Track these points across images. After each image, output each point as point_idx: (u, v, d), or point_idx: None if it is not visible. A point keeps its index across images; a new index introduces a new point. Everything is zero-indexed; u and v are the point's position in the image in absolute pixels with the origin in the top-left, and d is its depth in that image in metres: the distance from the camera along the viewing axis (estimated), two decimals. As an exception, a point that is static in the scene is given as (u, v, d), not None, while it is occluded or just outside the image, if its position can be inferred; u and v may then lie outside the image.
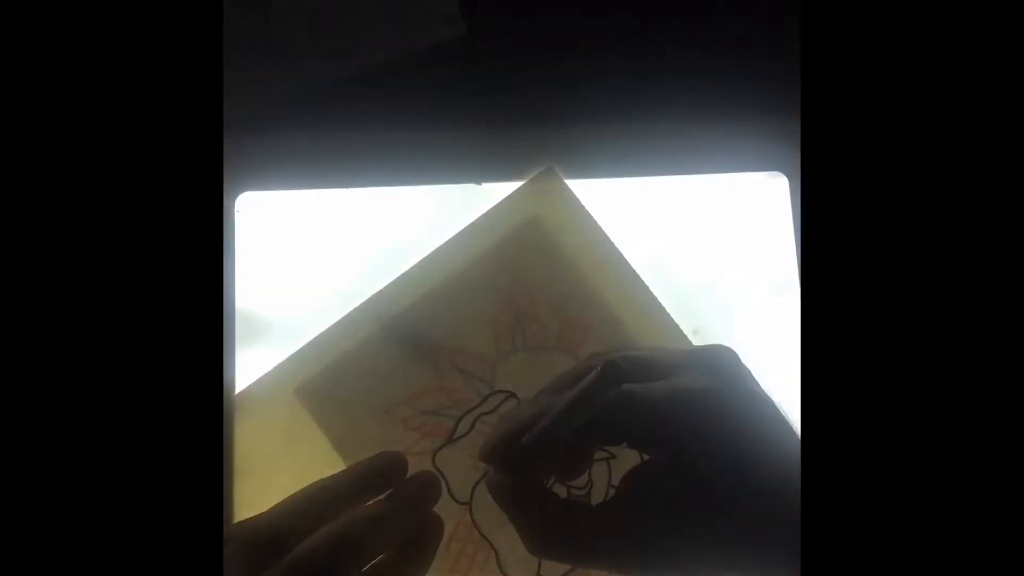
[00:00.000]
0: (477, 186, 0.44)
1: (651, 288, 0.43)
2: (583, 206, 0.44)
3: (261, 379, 0.42)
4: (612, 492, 0.32)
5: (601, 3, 0.47)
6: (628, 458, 0.32)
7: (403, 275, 0.43)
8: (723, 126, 0.45)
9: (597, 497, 0.32)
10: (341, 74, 0.45)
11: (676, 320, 0.43)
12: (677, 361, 0.32)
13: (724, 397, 0.30)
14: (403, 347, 0.42)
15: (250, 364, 0.42)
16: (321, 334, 0.42)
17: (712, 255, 0.44)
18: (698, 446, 0.29)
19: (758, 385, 0.32)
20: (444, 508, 0.33)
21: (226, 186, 0.43)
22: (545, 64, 0.47)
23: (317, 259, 0.44)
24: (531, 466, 0.32)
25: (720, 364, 0.32)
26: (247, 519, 0.30)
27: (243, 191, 0.44)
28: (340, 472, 0.32)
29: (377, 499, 0.31)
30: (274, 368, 0.42)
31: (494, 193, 0.44)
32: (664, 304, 0.43)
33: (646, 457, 0.31)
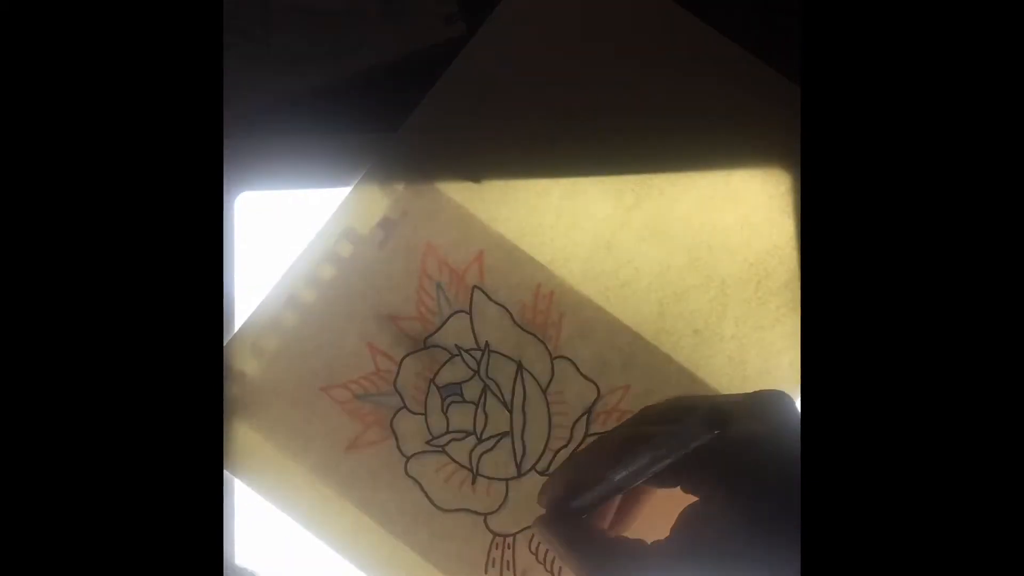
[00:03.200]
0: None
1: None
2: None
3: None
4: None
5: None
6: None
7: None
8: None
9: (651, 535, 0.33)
10: (341, 74, 0.45)
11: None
12: (731, 409, 0.32)
13: (773, 444, 0.31)
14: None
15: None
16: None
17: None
18: (747, 489, 0.30)
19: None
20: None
21: (226, 186, 0.43)
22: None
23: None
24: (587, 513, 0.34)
25: (772, 410, 0.32)
26: None
27: (242, 191, 0.44)
28: None
29: None
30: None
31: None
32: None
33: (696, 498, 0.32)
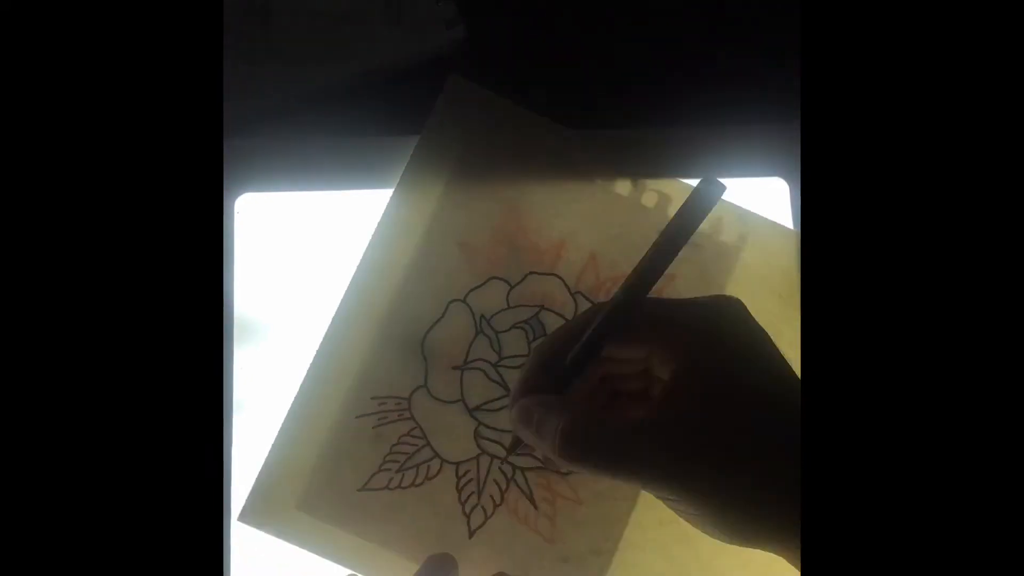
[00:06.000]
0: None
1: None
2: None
3: (251, 505, 0.41)
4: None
5: (601, 10, 0.47)
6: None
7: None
8: (724, 132, 0.45)
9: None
10: (341, 76, 0.45)
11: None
12: (687, 300, 0.33)
13: (733, 319, 0.32)
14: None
15: (249, 365, 0.42)
16: (287, 435, 0.41)
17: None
18: (711, 360, 0.30)
19: (760, 329, 0.33)
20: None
21: (226, 187, 0.43)
22: (545, 69, 0.47)
23: (317, 260, 0.44)
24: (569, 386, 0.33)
25: (728, 307, 0.32)
26: None
27: (243, 192, 0.44)
28: None
29: None
30: (260, 491, 0.41)
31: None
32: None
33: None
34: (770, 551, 0.31)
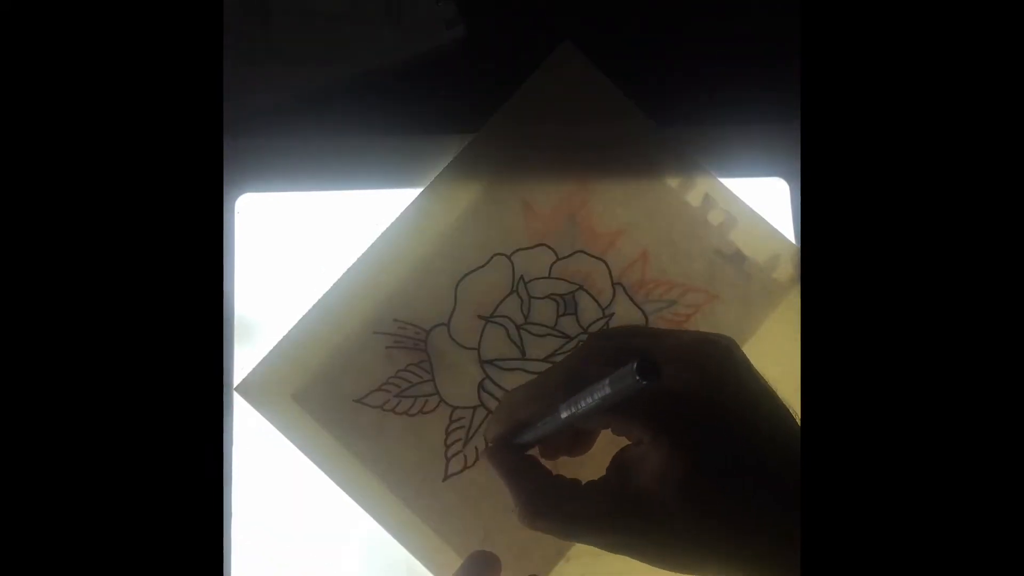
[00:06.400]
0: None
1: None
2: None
3: (251, 380, 0.42)
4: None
5: (600, 10, 0.47)
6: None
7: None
8: (724, 132, 0.45)
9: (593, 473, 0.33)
10: (341, 76, 0.45)
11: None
12: (670, 355, 0.32)
13: (718, 395, 0.31)
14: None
15: (249, 365, 0.42)
16: (304, 328, 0.42)
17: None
18: (687, 440, 0.30)
19: (753, 378, 0.33)
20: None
21: (226, 187, 0.43)
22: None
23: (317, 261, 0.44)
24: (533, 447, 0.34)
25: (715, 361, 0.32)
26: None
27: (243, 192, 0.44)
28: None
29: None
30: (263, 368, 0.42)
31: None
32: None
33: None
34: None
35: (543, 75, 0.44)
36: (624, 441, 0.32)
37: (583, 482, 0.33)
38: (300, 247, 0.44)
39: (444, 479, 0.41)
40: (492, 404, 0.42)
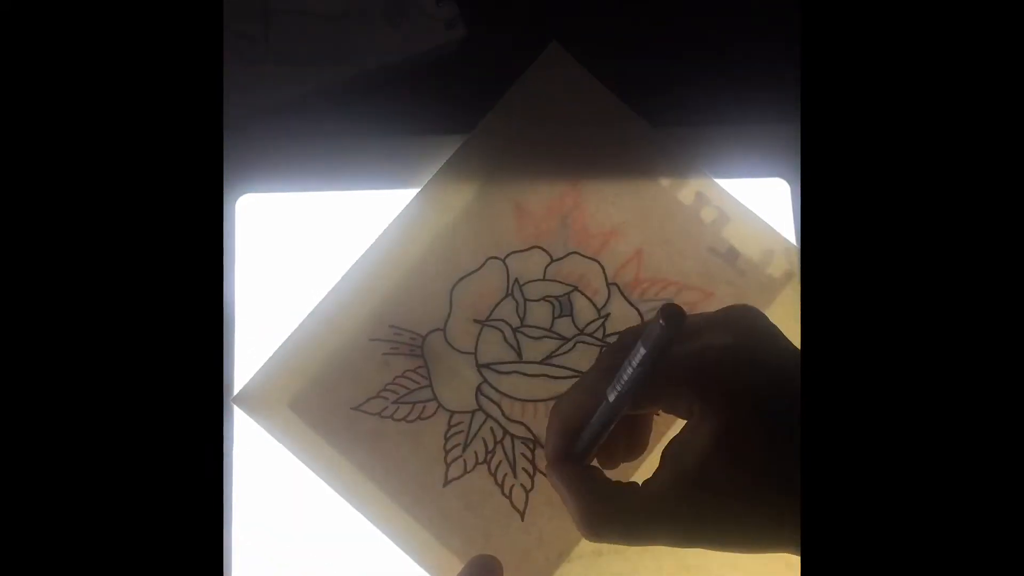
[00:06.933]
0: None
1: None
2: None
3: (248, 390, 0.41)
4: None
5: (600, 10, 0.47)
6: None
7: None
8: (724, 132, 0.45)
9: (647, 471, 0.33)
10: (341, 77, 0.45)
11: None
12: (700, 324, 0.32)
13: (754, 352, 0.31)
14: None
15: (249, 366, 0.42)
16: (300, 337, 0.42)
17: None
18: (731, 404, 0.30)
19: (786, 340, 0.33)
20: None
21: (226, 188, 0.43)
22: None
23: (317, 261, 0.44)
24: (593, 453, 0.34)
25: (746, 322, 0.33)
26: None
27: (243, 193, 0.44)
28: None
29: None
30: (260, 378, 0.42)
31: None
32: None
33: (682, 422, 0.32)
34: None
35: (531, 76, 0.44)
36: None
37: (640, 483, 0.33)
38: (300, 248, 0.44)
39: (444, 484, 0.41)
40: (490, 408, 0.42)
